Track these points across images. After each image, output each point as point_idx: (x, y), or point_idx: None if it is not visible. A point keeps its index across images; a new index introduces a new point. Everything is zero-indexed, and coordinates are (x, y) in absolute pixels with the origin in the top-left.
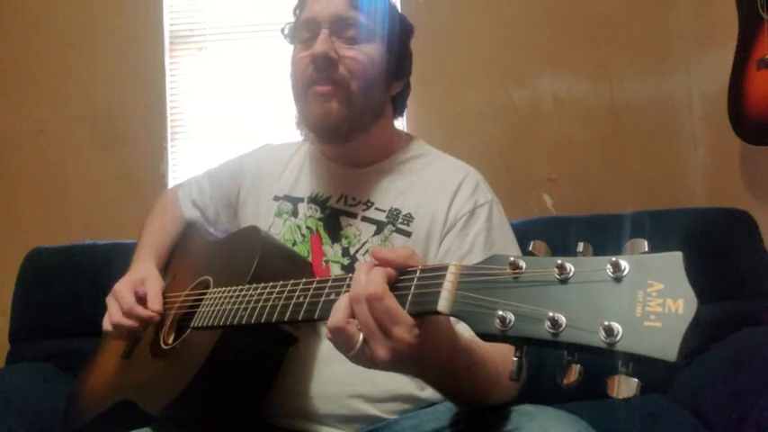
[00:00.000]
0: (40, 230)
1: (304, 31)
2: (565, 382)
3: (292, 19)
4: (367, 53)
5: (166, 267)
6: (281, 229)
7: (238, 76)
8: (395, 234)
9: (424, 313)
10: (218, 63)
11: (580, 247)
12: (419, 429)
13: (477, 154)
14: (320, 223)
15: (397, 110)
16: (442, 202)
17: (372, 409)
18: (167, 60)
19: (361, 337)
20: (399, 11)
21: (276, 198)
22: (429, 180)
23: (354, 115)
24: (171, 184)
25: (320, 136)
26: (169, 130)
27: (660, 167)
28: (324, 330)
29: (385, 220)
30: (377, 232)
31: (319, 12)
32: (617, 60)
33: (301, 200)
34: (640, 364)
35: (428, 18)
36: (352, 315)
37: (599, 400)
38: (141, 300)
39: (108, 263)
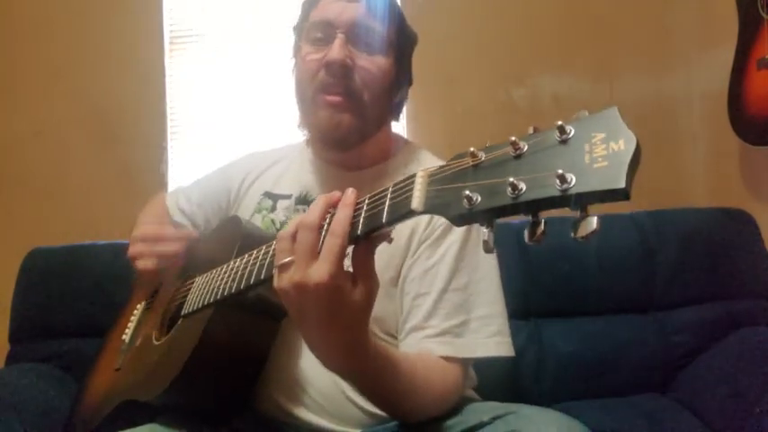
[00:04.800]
0: (40, 230)
1: (316, 31)
2: (534, 238)
3: (298, 13)
4: (380, 64)
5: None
6: (259, 224)
7: (238, 76)
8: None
9: (400, 218)
10: (217, 63)
11: (531, 129)
12: None
13: None
14: None
15: (395, 116)
16: None
17: (366, 404)
18: (167, 60)
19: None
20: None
21: (259, 196)
22: None
23: (363, 126)
24: (171, 183)
25: (327, 144)
26: (169, 130)
27: (660, 167)
28: None
29: None
30: None
31: (336, 15)
32: (617, 60)
33: (283, 197)
34: (596, 200)
35: (428, 18)
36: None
37: (599, 400)
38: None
39: (108, 263)
